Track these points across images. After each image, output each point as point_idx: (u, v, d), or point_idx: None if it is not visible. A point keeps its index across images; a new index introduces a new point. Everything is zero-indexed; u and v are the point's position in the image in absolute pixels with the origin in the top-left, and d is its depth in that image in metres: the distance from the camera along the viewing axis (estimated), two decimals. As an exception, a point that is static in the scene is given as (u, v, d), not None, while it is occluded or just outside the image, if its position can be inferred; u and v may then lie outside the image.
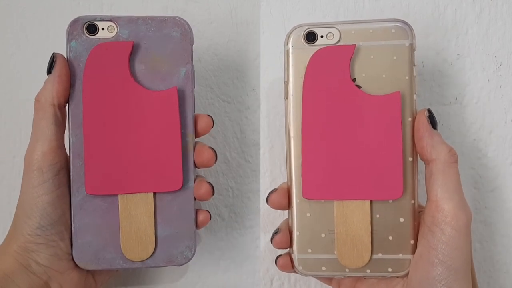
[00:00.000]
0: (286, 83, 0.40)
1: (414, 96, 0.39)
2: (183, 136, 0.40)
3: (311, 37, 0.40)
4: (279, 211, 0.47)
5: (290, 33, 0.40)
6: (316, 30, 0.40)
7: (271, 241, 0.40)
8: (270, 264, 0.48)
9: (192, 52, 0.41)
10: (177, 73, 0.41)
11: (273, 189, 0.41)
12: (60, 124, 0.39)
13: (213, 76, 0.49)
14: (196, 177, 0.41)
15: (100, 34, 0.40)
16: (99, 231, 0.40)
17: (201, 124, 0.41)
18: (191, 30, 0.41)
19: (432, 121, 0.38)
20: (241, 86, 0.49)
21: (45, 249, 0.38)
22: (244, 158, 0.49)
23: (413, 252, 0.39)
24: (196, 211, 0.41)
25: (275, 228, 0.40)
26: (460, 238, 0.36)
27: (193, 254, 0.41)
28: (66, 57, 0.39)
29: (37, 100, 0.39)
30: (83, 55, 0.39)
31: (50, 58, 0.39)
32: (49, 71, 0.39)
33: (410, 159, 0.39)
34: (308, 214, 0.40)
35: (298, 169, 0.40)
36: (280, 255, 0.41)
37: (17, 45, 0.49)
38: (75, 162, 0.39)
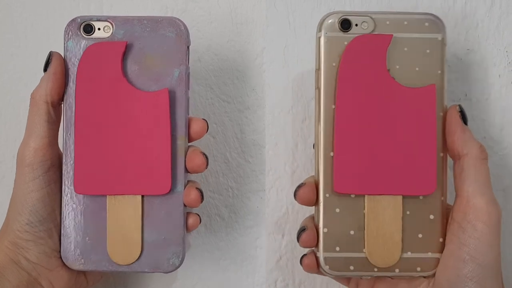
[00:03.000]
0: (318, 71, 0.40)
1: (445, 91, 0.39)
2: (174, 139, 0.40)
3: (346, 24, 0.39)
4: (281, 211, 0.47)
5: (324, 19, 0.39)
6: (351, 18, 0.39)
7: (298, 240, 0.39)
8: (273, 265, 0.47)
9: (187, 53, 0.41)
10: (170, 74, 0.40)
11: (301, 184, 0.40)
12: (53, 122, 0.39)
13: (213, 76, 0.49)
14: (188, 182, 0.41)
15: (96, 34, 0.40)
16: (87, 231, 0.40)
17: (195, 128, 0.41)
18: (187, 31, 0.41)
19: (463, 116, 0.39)
20: (241, 86, 0.49)
21: (34, 246, 0.38)
22: (244, 158, 0.48)
23: (442, 251, 0.39)
24: (186, 215, 0.41)
25: (301, 226, 0.40)
26: (492, 234, 0.36)
27: (181, 262, 0.40)
28: (64, 58, 0.40)
29: (32, 97, 0.39)
30: (79, 55, 0.40)
31: (47, 56, 0.40)
32: (45, 69, 0.39)
33: (441, 154, 0.39)
34: (337, 210, 0.39)
35: (328, 162, 0.39)
36: (305, 255, 0.40)
37: (17, 45, 0.50)
38: (67, 161, 0.40)
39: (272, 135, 0.48)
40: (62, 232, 0.40)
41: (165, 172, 0.40)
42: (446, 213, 0.39)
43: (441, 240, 0.39)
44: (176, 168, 0.40)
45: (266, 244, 0.48)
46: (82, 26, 0.40)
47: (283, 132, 0.48)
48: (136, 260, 0.40)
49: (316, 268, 0.39)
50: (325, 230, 0.39)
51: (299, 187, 0.40)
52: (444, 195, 0.39)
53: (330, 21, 0.39)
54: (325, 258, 0.39)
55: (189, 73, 0.41)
